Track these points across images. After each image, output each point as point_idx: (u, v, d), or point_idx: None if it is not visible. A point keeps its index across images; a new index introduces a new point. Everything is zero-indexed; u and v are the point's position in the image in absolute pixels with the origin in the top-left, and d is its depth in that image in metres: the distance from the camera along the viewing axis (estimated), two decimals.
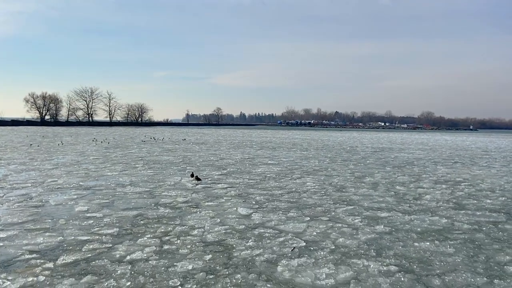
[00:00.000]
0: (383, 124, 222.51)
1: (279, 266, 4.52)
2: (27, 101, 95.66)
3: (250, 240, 5.45)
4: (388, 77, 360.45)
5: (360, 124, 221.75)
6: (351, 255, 4.89)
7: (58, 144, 23.40)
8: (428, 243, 5.34)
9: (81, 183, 9.83)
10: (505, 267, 4.53)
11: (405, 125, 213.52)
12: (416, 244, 5.32)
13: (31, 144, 23.55)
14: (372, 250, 5.06)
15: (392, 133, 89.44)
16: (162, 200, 8.06)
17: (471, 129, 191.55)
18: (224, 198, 8.38)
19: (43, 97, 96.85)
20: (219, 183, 10.34)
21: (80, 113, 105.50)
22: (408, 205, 7.89)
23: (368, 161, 17.21)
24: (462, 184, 10.34)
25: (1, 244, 5.09)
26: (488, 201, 8.24)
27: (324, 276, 4.29)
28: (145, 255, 4.86)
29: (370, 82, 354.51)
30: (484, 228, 6.21)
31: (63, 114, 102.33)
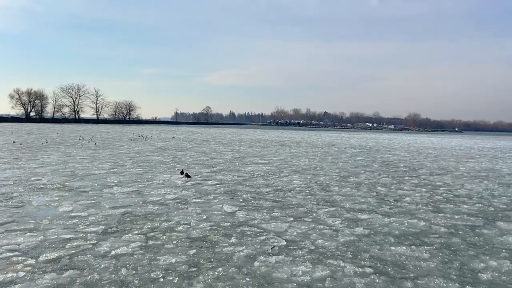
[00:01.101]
0: (371, 125, 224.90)
1: (257, 262, 4.66)
2: (12, 97, 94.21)
3: (233, 237, 5.58)
4: (376, 78, 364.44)
5: (348, 124, 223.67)
6: (328, 256, 4.99)
7: (42, 143, 23.00)
8: (404, 247, 5.37)
9: (66, 182, 9.70)
10: (478, 274, 4.56)
11: (392, 126, 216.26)
12: (392, 248, 5.36)
13: (14, 142, 23.14)
14: (349, 252, 5.14)
15: (380, 134, 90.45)
16: (151, 198, 8.05)
17: (456, 131, 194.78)
18: (212, 195, 8.46)
19: (29, 93, 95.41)
20: (208, 180, 10.38)
21: (66, 110, 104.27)
22: (388, 206, 7.99)
23: (354, 161, 17.38)
24: (441, 188, 10.51)
25: None
26: (465, 206, 8.32)
27: (300, 273, 4.42)
28: (130, 250, 4.91)
29: (358, 83, 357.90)
30: (460, 233, 6.25)
31: (48, 111, 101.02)
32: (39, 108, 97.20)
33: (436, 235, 6.04)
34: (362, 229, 6.23)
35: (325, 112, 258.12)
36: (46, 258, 4.57)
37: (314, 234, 5.89)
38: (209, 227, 6.02)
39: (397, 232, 6.16)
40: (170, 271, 4.31)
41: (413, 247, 5.43)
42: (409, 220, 6.86)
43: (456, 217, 7.26)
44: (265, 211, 7.19)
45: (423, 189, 10.26)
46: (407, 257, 5.05)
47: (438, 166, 16.51)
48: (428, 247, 5.44)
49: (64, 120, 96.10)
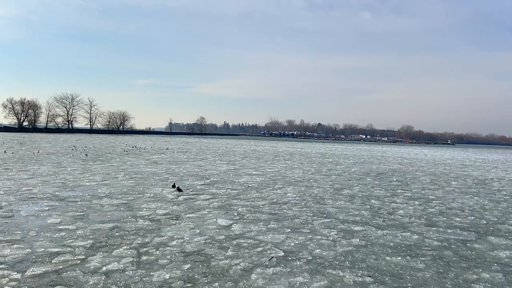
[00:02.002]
0: (364, 136, 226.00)
1: (254, 275, 4.59)
2: (5, 106, 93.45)
3: (229, 250, 5.49)
4: (370, 90, 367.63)
5: (342, 136, 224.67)
6: (327, 266, 5.00)
7: (34, 153, 22.74)
8: (400, 258, 5.44)
9: (57, 193, 9.55)
10: (472, 285, 4.63)
11: (386, 138, 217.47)
12: (388, 258, 5.43)
13: (5, 152, 22.87)
14: (347, 262, 5.17)
15: (373, 145, 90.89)
16: (141, 212, 7.90)
17: (449, 144, 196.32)
18: (206, 209, 8.30)
19: (22, 103, 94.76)
20: (201, 194, 10.24)
21: (59, 119, 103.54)
22: (382, 219, 7.98)
23: (348, 174, 17.38)
24: (434, 201, 10.53)
25: None
26: (458, 219, 8.34)
27: (298, 284, 4.38)
28: (122, 265, 4.77)
29: (352, 95, 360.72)
30: (453, 246, 6.28)
31: (42, 121, 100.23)
32: (32, 118, 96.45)
33: (429, 248, 6.10)
34: (358, 240, 6.27)
35: (319, 124, 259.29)
36: (33, 273, 4.45)
37: (311, 245, 5.89)
38: (203, 241, 5.90)
39: (391, 244, 6.19)
40: (164, 287, 4.20)
41: (408, 258, 5.49)
42: (402, 233, 6.87)
43: (449, 231, 7.26)
44: (262, 223, 7.13)
45: (416, 202, 10.26)
46: (402, 267, 5.11)
47: (431, 180, 16.56)
48: (423, 258, 5.50)
49: (57, 130, 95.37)
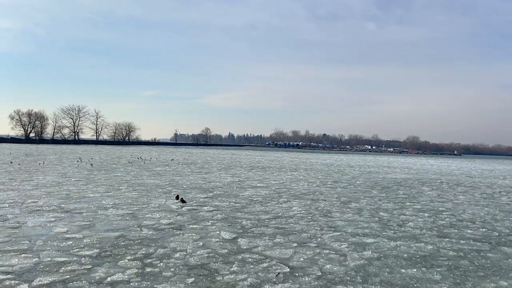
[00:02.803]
0: (370, 147, 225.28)
1: None
2: (12, 118, 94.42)
3: (234, 264, 5.38)
4: (375, 101, 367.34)
5: (347, 146, 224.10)
6: (337, 281, 4.85)
7: (40, 164, 22.87)
8: (415, 270, 5.34)
9: (62, 205, 9.54)
10: None
11: (392, 149, 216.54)
12: (403, 270, 5.30)
13: (11, 162, 23.01)
14: (359, 277, 5.03)
15: (379, 156, 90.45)
16: (145, 221, 7.87)
17: (455, 154, 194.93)
18: (210, 221, 8.23)
19: (29, 115, 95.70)
20: (204, 206, 10.17)
21: (66, 131, 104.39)
22: (392, 231, 7.88)
23: (353, 187, 17.23)
24: (444, 213, 10.41)
25: None
26: (469, 230, 8.27)
27: None
28: (126, 277, 4.74)
29: (357, 106, 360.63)
30: (468, 256, 6.24)
31: (48, 132, 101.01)
32: (39, 129, 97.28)
33: (444, 258, 6.03)
34: (370, 252, 6.16)
35: (324, 134, 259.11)
36: (40, 282, 4.44)
37: (321, 260, 5.74)
38: (206, 254, 5.82)
39: (405, 255, 6.09)
40: None
41: (423, 269, 5.39)
42: (416, 244, 6.79)
43: (462, 241, 7.21)
44: (267, 238, 6.97)
45: (426, 214, 10.12)
46: (418, 279, 5.00)
47: (439, 192, 16.37)
48: (439, 269, 5.42)
49: (63, 141, 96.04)
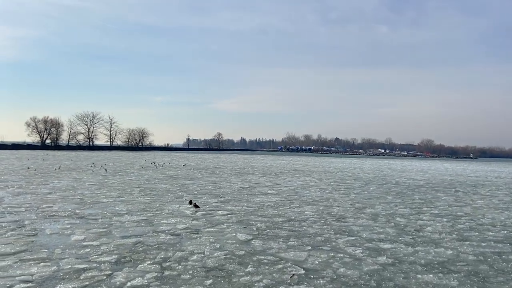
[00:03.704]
0: (383, 151, 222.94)
1: None
2: (28, 125, 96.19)
3: (250, 266, 5.46)
4: (388, 104, 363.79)
5: (360, 150, 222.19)
6: (351, 285, 4.86)
7: (55, 169, 23.30)
8: (431, 275, 5.27)
9: (77, 210, 9.69)
10: None
11: (405, 153, 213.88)
12: (418, 276, 5.25)
13: (28, 167, 23.47)
14: (373, 281, 5.02)
15: (393, 160, 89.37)
16: (161, 227, 7.95)
17: (471, 158, 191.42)
18: (225, 224, 8.33)
19: (45, 121, 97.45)
20: (218, 210, 10.23)
21: (81, 137, 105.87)
22: (410, 236, 7.78)
23: (367, 193, 17.07)
24: (463, 218, 10.25)
25: None
26: (490, 233, 8.16)
27: None
28: (146, 281, 4.81)
29: (370, 109, 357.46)
30: (488, 260, 6.16)
31: (63, 138, 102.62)
32: (55, 136, 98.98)
33: (463, 263, 5.94)
34: (385, 258, 6.11)
35: (337, 138, 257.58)
36: None
37: (335, 263, 5.76)
38: (223, 256, 5.91)
39: (423, 261, 6.02)
40: None
41: (440, 275, 5.32)
42: (435, 249, 6.71)
43: (483, 244, 7.14)
44: (281, 240, 7.05)
45: (444, 219, 9.97)
46: (434, 285, 4.94)
47: (456, 197, 16.11)
48: (456, 275, 5.35)
49: (78, 147, 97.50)
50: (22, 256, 5.75)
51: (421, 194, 16.01)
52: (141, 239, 6.94)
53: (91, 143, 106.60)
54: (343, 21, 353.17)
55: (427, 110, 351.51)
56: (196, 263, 5.54)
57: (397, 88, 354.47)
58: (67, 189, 13.47)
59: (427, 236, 7.82)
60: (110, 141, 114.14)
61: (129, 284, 4.71)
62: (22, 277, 4.90)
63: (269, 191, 15.28)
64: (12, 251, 6.02)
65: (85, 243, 6.56)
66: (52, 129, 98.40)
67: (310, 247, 6.63)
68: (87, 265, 5.38)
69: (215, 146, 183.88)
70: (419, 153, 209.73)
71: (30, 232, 7.27)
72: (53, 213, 9.11)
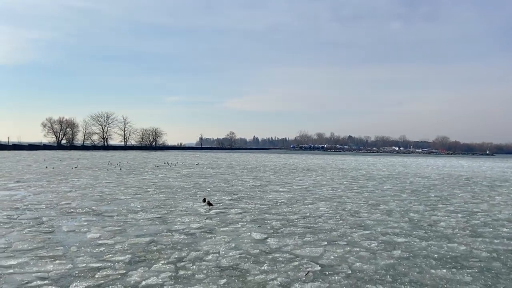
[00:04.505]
0: (397, 148, 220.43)
1: None
2: (44, 125, 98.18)
3: (265, 264, 5.45)
4: (402, 101, 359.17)
5: (374, 148, 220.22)
6: (367, 280, 4.85)
7: (72, 168, 23.76)
8: (445, 271, 5.26)
9: (93, 207, 9.84)
10: None
11: (420, 150, 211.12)
12: (433, 271, 5.24)
13: (46, 167, 23.94)
14: (389, 276, 5.01)
15: (407, 157, 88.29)
16: (175, 226, 8.02)
17: (487, 154, 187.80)
18: (239, 223, 8.34)
19: (60, 122, 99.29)
20: (232, 208, 10.26)
21: (95, 137, 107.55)
22: (423, 231, 7.75)
23: (381, 191, 16.88)
24: (478, 214, 10.08)
25: (11, 271, 5.06)
26: (505, 229, 8.02)
27: None
28: (160, 280, 4.83)
29: (383, 107, 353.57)
30: (502, 257, 6.07)
31: (79, 139, 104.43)
32: (70, 136, 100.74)
33: (476, 259, 5.89)
34: (400, 252, 6.12)
35: (350, 136, 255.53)
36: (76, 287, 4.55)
37: (350, 258, 5.78)
38: (238, 255, 5.90)
39: (436, 255, 6.01)
40: None
41: (454, 270, 5.31)
42: (448, 244, 6.66)
43: (496, 241, 7.04)
44: (297, 237, 7.06)
45: (459, 215, 9.83)
46: (448, 280, 4.93)
47: (472, 196, 15.82)
48: (470, 270, 5.32)
49: (93, 147, 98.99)
50: (39, 253, 5.85)
51: (437, 191, 15.76)
52: (155, 238, 6.99)
53: (105, 143, 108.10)
54: (356, 18, 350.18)
55: (442, 106, 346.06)
56: (211, 263, 5.53)
57: (411, 85, 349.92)
58: (86, 187, 13.79)
59: (440, 231, 7.77)
60: (124, 141, 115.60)
61: (143, 283, 4.72)
62: (39, 274, 4.99)
63: (281, 189, 15.25)
64: (29, 248, 6.14)
65: (100, 242, 6.63)
66: (68, 129, 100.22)
67: (326, 242, 6.66)
68: (101, 264, 5.43)
69: (228, 145, 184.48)
70: (434, 150, 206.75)
71: (47, 229, 7.41)
72: (71, 210, 9.27)
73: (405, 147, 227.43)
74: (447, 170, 33.98)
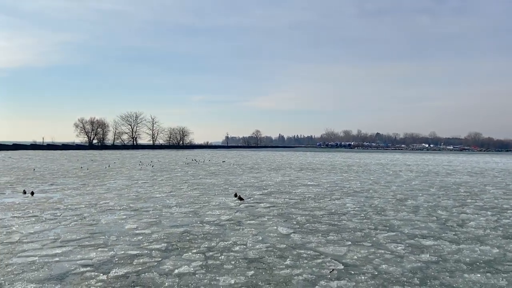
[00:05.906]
0: (427, 145, 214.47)
1: (318, 287, 4.60)
2: (76, 126, 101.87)
3: (290, 259, 5.59)
4: (431, 97, 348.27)
5: (402, 145, 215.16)
6: (394, 282, 4.78)
7: (105, 168, 24.66)
8: (478, 275, 5.05)
9: (131, 204, 10.32)
10: None
11: (451, 147, 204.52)
12: (465, 275, 5.05)
13: (81, 167, 24.98)
14: (416, 279, 4.90)
15: (438, 155, 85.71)
16: (207, 218, 8.40)
17: None
18: (266, 217, 8.61)
19: (92, 122, 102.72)
20: (261, 203, 10.57)
21: (125, 137, 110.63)
22: (453, 232, 7.52)
23: (409, 186, 16.68)
24: (509, 211, 9.80)
25: (57, 259, 5.50)
26: None
27: None
28: (192, 269, 5.13)
29: (412, 103, 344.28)
30: None
31: (109, 138, 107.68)
32: (101, 136, 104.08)
33: (511, 263, 5.64)
34: (428, 255, 5.91)
35: (377, 133, 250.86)
36: (116, 274, 4.92)
37: (376, 259, 5.67)
38: (265, 249, 6.12)
39: (467, 259, 5.77)
40: None
41: (488, 274, 5.11)
42: (480, 247, 6.40)
43: None
44: (321, 234, 7.13)
45: (489, 213, 9.62)
46: (482, 285, 4.75)
47: (505, 190, 15.38)
48: (505, 275, 5.10)
49: (123, 147, 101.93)
50: (82, 242, 6.33)
51: (467, 187, 15.43)
52: (188, 228, 7.38)
53: (134, 142, 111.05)
54: (381, 13, 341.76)
55: (474, 101, 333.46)
56: (238, 254, 5.78)
57: (440, 80, 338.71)
58: (122, 188, 14.16)
59: (471, 232, 7.54)
60: (153, 140, 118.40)
61: (176, 271, 5.03)
62: (83, 261, 5.41)
63: (309, 183, 15.40)
64: (75, 237, 6.65)
65: (137, 231, 7.09)
66: (99, 129, 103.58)
67: (350, 242, 6.60)
68: (139, 251, 5.84)
69: (254, 143, 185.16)
70: (466, 147, 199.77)
71: (89, 222, 7.94)
72: (110, 208, 9.78)
73: (435, 144, 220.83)
74: (480, 167, 32.92)
